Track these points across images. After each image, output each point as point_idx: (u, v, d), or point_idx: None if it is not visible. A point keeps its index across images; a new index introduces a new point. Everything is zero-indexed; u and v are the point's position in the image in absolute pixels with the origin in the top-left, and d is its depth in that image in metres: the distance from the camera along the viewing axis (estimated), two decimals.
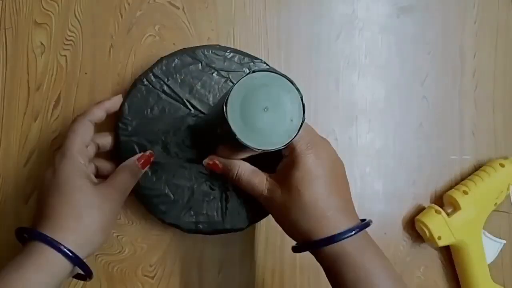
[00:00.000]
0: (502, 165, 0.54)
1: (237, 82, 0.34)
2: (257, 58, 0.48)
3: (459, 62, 0.57)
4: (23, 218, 0.47)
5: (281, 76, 0.35)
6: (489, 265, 0.54)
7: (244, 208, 0.47)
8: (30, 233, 0.37)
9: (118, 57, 0.50)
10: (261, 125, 0.34)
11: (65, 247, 0.35)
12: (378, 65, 0.55)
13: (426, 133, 0.55)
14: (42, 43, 0.49)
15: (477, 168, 0.56)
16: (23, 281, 0.34)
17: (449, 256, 0.55)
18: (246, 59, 0.48)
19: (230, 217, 0.46)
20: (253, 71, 0.35)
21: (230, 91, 0.34)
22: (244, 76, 0.34)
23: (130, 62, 0.50)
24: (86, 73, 0.49)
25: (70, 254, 0.36)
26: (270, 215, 0.43)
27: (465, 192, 0.52)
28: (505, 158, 0.56)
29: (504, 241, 0.55)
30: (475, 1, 0.58)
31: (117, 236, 0.49)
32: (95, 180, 0.42)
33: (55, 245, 0.35)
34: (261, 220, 0.50)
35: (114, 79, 0.49)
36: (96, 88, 0.49)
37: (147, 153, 0.43)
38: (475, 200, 0.52)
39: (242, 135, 0.34)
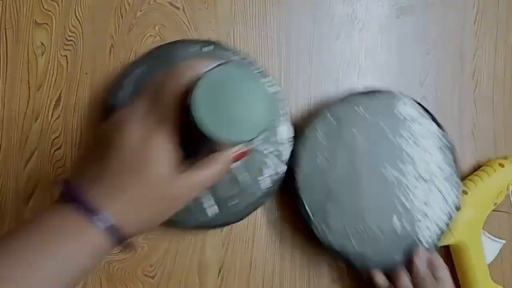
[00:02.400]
0: (501, 165, 0.54)
1: (204, 75, 0.32)
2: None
3: (459, 62, 0.57)
4: (23, 218, 0.48)
5: (247, 67, 0.34)
6: (489, 265, 0.54)
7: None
8: (77, 198, 0.29)
9: (119, 57, 0.50)
10: (232, 115, 0.32)
11: (117, 231, 0.30)
12: (378, 65, 0.56)
13: None
14: (42, 43, 0.49)
15: (477, 168, 0.56)
16: (57, 263, 0.27)
17: (448, 256, 0.55)
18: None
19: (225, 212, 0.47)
20: (220, 64, 0.34)
21: (196, 84, 0.32)
22: (213, 68, 0.33)
23: (131, 62, 0.50)
24: (86, 73, 0.49)
25: (118, 237, 0.30)
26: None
27: (464, 192, 0.52)
28: (505, 158, 0.56)
29: (504, 241, 0.55)
30: (475, 1, 0.58)
31: None
32: (182, 158, 0.34)
33: (110, 230, 0.29)
34: (261, 219, 0.51)
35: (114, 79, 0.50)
36: (97, 88, 0.49)
37: (245, 148, 0.36)
38: (475, 200, 0.52)
39: (213, 128, 0.32)
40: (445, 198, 0.47)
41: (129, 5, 0.50)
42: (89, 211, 0.29)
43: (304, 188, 0.46)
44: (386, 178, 0.47)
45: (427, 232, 0.47)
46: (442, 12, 0.57)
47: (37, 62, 0.49)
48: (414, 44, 0.56)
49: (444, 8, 0.57)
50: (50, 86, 0.49)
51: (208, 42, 0.49)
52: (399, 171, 0.47)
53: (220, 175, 0.35)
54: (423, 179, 0.47)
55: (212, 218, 0.47)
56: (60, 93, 0.49)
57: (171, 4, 0.51)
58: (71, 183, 0.31)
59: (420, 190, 0.47)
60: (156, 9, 0.51)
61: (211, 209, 0.47)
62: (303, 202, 0.46)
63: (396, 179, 0.47)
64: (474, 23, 0.58)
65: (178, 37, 0.51)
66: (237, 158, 0.36)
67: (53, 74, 0.49)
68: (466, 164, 0.57)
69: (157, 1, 0.51)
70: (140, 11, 0.51)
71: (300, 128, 0.49)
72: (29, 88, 0.48)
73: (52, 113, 0.48)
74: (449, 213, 0.48)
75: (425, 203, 0.47)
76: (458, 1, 0.58)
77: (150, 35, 0.50)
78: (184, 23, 0.51)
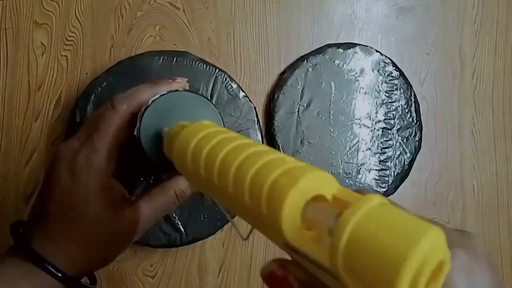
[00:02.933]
0: None
1: (148, 106, 0.32)
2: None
3: (458, 62, 0.57)
4: (23, 218, 0.47)
5: (197, 95, 0.33)
6: None
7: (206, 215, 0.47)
8: (23, 246, 0.30)
9: (119, 57, 0.50)
10: None
11: (60, 273, 0.30)
12: None
13: (425, 133, 0.55)
14: (42, 43, 0.49)
15: (477, 168, 0.56)
16: None
17: None
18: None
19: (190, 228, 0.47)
20: (166, 92, 0.32)
21: (142, 115, 0.32)
22: (156, 97, 0.32)
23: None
24: (86, 73, 0.49)
25: (61, 276, 0.30)
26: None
27: None
28: None
29: None
30: (475, 1, 0.58)
31: None
32: (125, 192, 0.33)
33: (50, 272, 0.29)
34: None
35: None
36: None
37: None
38: None
39: (157, 160, 0.31)
40: (404, 149, 0.53)
41: (129, 5, 0.50)
42: (35, 259, 0.29)
43: (280, 132, 0.50)
44: (353, 129, 0.52)
45: (389, 178, 0.53)
46: (442, 12, 0.57)
47: (37, 62, 0.49)
48: (414, 44, 0.56)
49: (444, 8, 0.57)
50: (50, 86, 0.49)
51: (175, 53, 0.48)
52: (367, 123, 0.53)
53: (175, 203, 0.34)
54: (389, 130, 0.53)
55: (179, 236, 0.47)
56: (60, 93, 0.49)
57: (171, 4, 0.51)
58: (24, 226, 0.31)
59: (385, 141, 0.53)
60: (156, 9, 0.51)
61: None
62: (278, 144, 0.50)
63: (364, 130, 0.53)
64: (474, 23, 0.58)
65: (178, 37, 0.51)
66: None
67: (53, 74, 0.49)
68: (466, 164, 0.57)
69: (157, 1, 0.51)
70: (140, 11, 0.51)
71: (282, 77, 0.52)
72: (29, 88, 0.48)
73: (52, 113, 0.48)
74: (408, 159, 0.54)
75: (387, 153, 0.53)
76: (458, 1, 0.58)
77: (150, 35, 0.50)
78: (184, 23, 0.51)
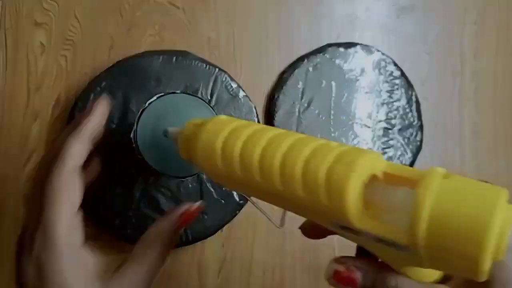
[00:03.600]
0: None
1: (145, 108, 0.32)
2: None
3: (459, 62, 0.57)
4: (23, 219, 0.47)
5: (194, 97, 0.33)
6: None
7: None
8: None
9: (118, 57, 0.50)
10: (173, 151, 0.31)
11: None
12: None
13: (426, 133, 0.55)
14: (42, 43, 0.49)
15: (477, 168, 0.56)
16: None
17: None
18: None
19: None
20: (163, 94, 0.32)
21: (139, 118, 0.32)
22: (153, 99, 0.32)
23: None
24: (86, 73, 0.49)
25: None
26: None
27: None
28: None
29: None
30: (475, 1, 0.58)
31: None
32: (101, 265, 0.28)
33: None
34: (262, 220, 0.50)
35: None
36: None
37: (196, 205, 0.30)
38: None
39: (159, 165, 0.32)
40: (405, 149, 0.53)
41: (129, 5, 0.50)
42: None
43: None
44: (354, 129, 0.52)
45: None
46: (442, 12, 0.57)
47: (36, 62, 0.48)
48: (414, 44, 0.56)
49: (444, 8, 0.57)
50: (50, 86, 0.49)
51: (175, 52, 0.48)
52: (368, 123, 0.52)
53: (164, 255, 0.29)
54: (390, 130, 0.53)
55: (179, 236, 0.46)
56: (60, 94, 0.49)
57: (171, 3, 0.51)
58: None
59: (386, 141, 0.53)
60: (156, 9, 0.51)
61: None
62: None
63: (365, 130, 0.52)
64: (474, 23, 0.58)
65: (178, 37, 0.51)
66: (181, 226, 0.29)
67: (52, 74, 0.49)
68: (466, 164, 0.57)
69: (156, 0, 0.51)
70: (140, 11, 0.50)
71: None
72: (28, 88, 0.48)
73: (52, 114, 0.48)
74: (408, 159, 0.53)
75: (388, 153, 0.53)
76: (458, 1, 0.58)
77: (150, 35, 0.50)
78: (184, 23, 0.51)
